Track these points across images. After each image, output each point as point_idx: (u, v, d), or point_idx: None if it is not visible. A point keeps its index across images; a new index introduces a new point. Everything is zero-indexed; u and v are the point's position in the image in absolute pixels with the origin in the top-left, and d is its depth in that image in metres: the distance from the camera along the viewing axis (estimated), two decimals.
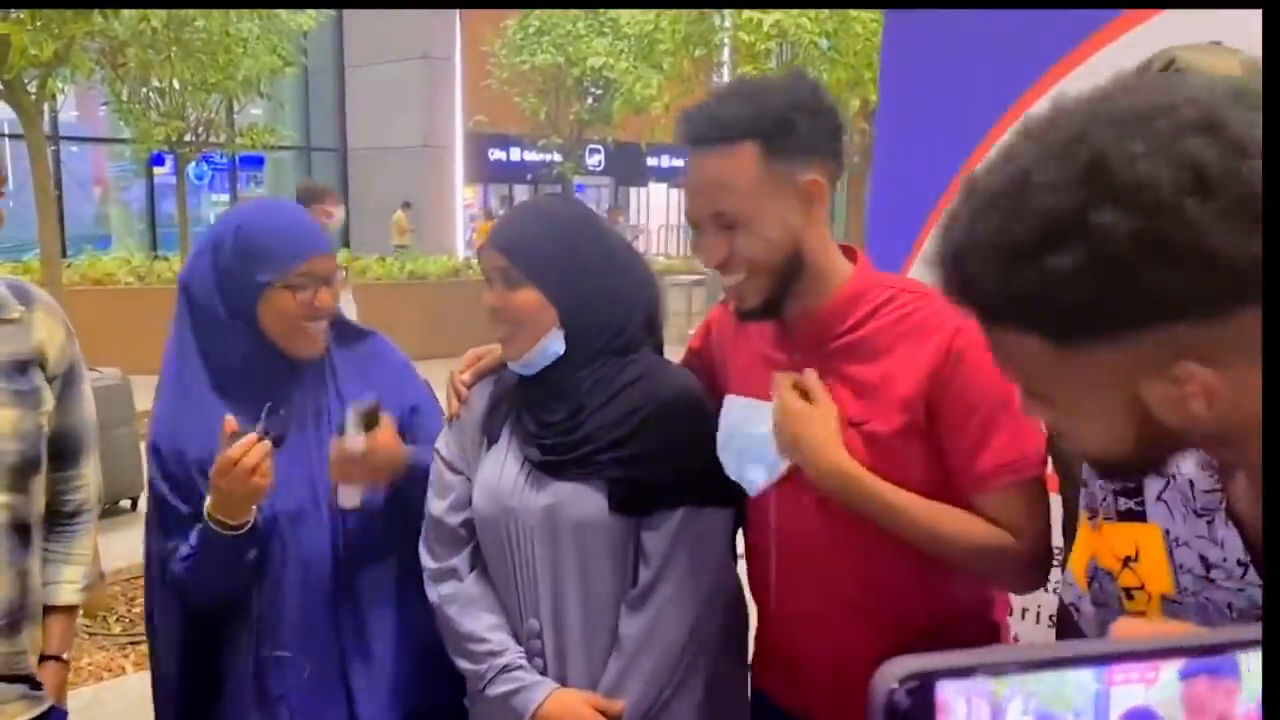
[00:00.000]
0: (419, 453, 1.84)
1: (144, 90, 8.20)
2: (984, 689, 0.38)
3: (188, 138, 8.37)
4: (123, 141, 9.59)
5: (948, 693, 0.38)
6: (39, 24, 5.65)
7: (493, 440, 1.72)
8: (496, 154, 22.56)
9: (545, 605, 1.65)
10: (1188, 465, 0.95)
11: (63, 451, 1.93)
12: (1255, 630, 0.41)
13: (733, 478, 1.56)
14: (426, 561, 1.76)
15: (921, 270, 2.70)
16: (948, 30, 2.74)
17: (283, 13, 8.76)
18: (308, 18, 9.40)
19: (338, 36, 18.33)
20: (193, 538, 1.75)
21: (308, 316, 1.79)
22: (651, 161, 23.89)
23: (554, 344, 1.64)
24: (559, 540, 1.63)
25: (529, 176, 22.86)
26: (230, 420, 1.66)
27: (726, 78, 9.86)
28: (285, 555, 1.80)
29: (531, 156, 20.59)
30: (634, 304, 1.69)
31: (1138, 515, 1.00)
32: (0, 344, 1.78)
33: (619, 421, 1.61)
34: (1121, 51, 2.26)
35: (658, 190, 25.99)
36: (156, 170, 17.01)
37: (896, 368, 1.47)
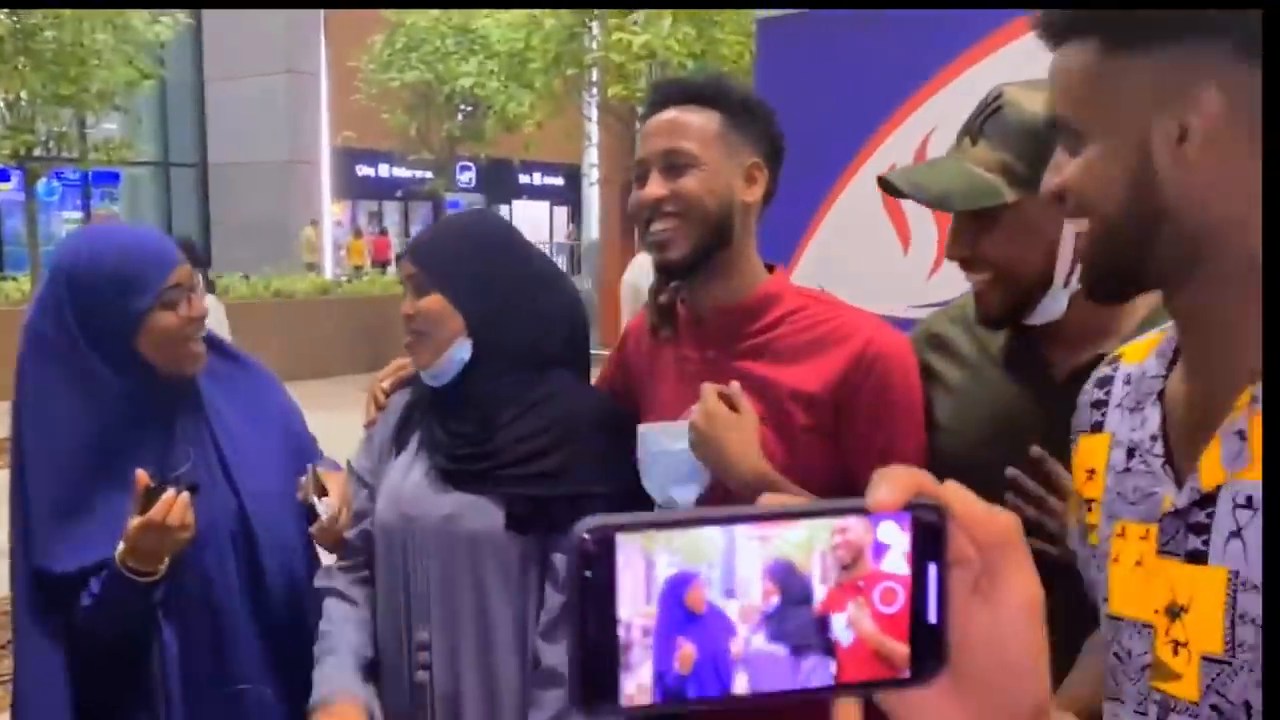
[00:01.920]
0: None
1: None
2: (638, 543, 0.44)
3: (37, 152, 7.97)
4: None
5: (621, 544, 0.44)
6: None
7: (401, 448, 1.72)
8: (365, 170, 22.23)
9: (436, 617, 1.64)
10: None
11: None
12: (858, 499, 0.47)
13: (661, 503, 1.58)
14: (325, 562, 1.78)
15: (801, 283, 2.79)
16: (820, 47, 2.84)
17: (138, 23, 8.45)
18: (164, 27, 9.07)
19: (197, 49, 17.80)
20: (95, 585, 1.68)
21: (189, 328, 1.75)
22: (524, 179, 23.93)
23: (460, 352, 1.65)
24: (455, 552, 1.62)
25: (399, 193, 22.58)
26: (142, 475, 1.60)
27: (597, 97, 9.95)
28: (193, 587, 1.75)
29: (401, 173, 20.34)
30: (552, 320, 1.71)
31: (1201, 557, 0.87)
32: None
33: (526, 438, 1.62)
34: (990, 70, 2.38)
35: (532, 206, 26.01)
36: (0, 186, 16.24)
37: (803, 371, 1.53)
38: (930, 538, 0.46)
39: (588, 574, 0.44)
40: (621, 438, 1.61)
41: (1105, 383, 1.06)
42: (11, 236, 16.66)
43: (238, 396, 1.89)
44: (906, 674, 0.46)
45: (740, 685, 0.45)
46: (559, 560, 1.61)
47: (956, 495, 0.48)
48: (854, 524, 0.46)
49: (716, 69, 8.21)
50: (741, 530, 0.45)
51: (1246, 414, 0.84)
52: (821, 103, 2.77)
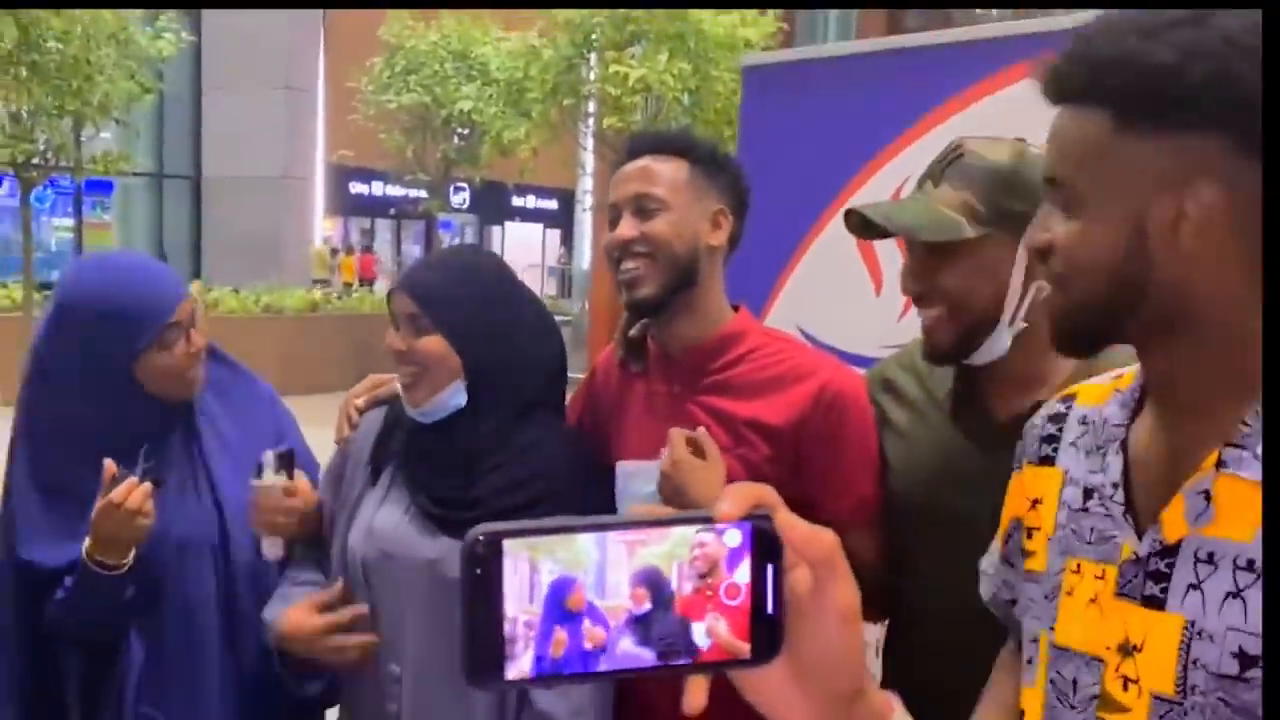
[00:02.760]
0: None
1: None
2: (524, 551, 0.53)
3: (35, 161, 8.03)
4: None
5: (509, 549, 0.53)
6: None
7: (377, 474, 1.71)
8: (358, 188, 22.29)
9: (410, 654, 1.62)
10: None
11: None
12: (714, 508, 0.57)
13: None
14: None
15: (777, 321, 2.89)
16: (803, 93, 2.95)
17: (142, 39, 8.55)
18: (167, 44, 9.17)
19: (195, 63, 17.89)
20: (68, 580, 1.70)
21: (186, 363, 1.77)
22: (518, 201, 24.02)
23: (456, 397, 1.64)
24: (435, 595, 1.58)
25: (391, 211, 22.65)
26: (110, 464, 1.63)
27: (593, 127, 10.07)
28: (169, 600, 1.77)
29: (394, 191, 20.42)
30: (538, 360, 1.70)
31: (1158, 603, 0.90)
32: None
33: (505, 490, 1.60)
34: (967, 121, 2.49)
35: (525, 229, 26.08)
36: None
37: (764, 405, 1.61)
38: (768, 543, 0.57)
39: (478, 572, 0.53)
40: (599, 488, 1.64)
41: (1058, 419, 1.09)
42: (1, 243, 16.66)
43: (231, 407, 1.91)
44: (748, 656, 0.56)
45: (605, 664, 0.54)
46: None
47: (784, 520, 0.58)
48: (708, 537, 0.55)
49: (710, 104, 8.36)
50: (613, 539, 0.54)
51: (1212, 476, 0.86)
52: (802, 147, 2.88)
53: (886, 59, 2.77)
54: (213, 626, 1.80)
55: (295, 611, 1.66)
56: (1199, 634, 0.86)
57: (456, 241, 21.74)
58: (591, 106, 9.74)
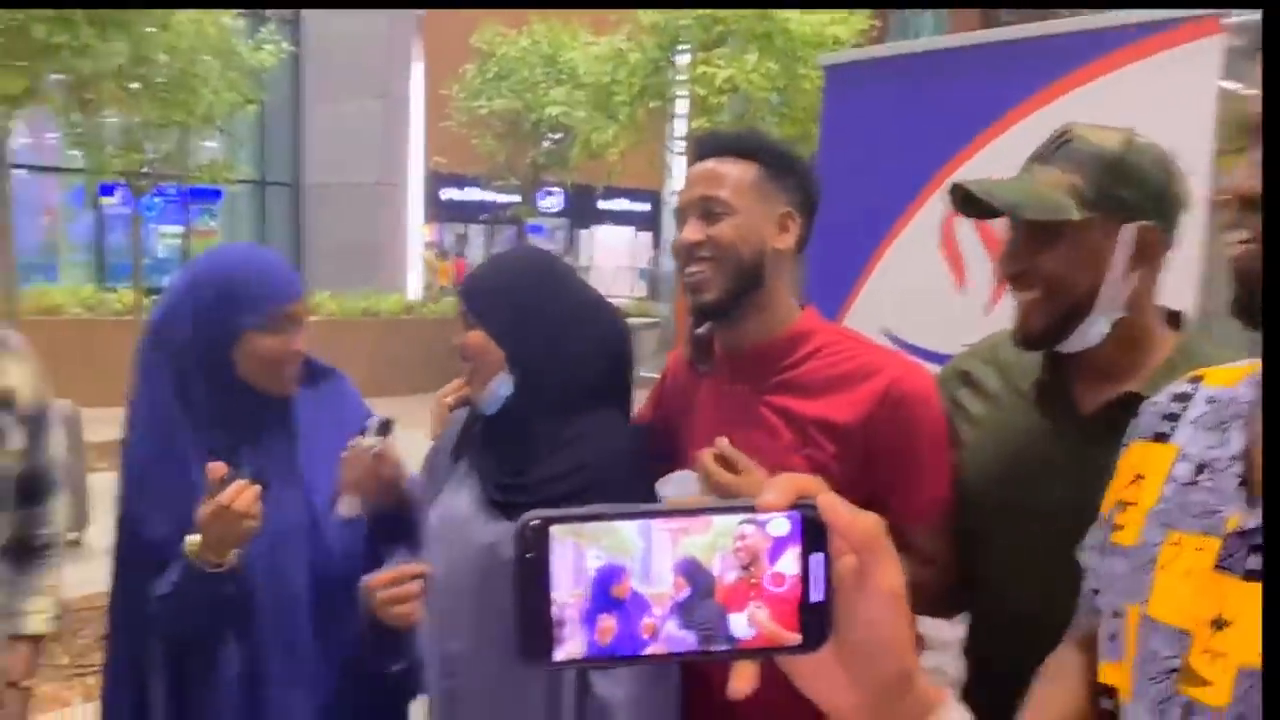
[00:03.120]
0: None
1: (98, 121, 8.22)
2: (571, 537, 0.55)
3: (144, 170, 8.38)
4: (79, 171, 9.59)
5: (557, 535, 0.55)
6: (4, 62, 5.81)
7: (455, 463, 1.79)
8: (450, 193, 22.67)
9: (469, 633, 1.68)
10: None
11: (33, 490, 2.01)
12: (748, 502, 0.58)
13: None
14: None
15: (858, 319, 2.88)
16: (886, 90, 2.94)
17: (244, 50, 8.85)
18: (268, 54, 9.47)
19: (295, 72, 18.40)
20: (171, 575, 1.74)
21: (286, 357, 1.82)
22: (605, 205, 24.14)
23: (501, 387, 1.70)
24: (492, 578, 1.64)
25: (482, 216, 22.98)
26: (218, 466, 1.66)
27: (678, 129, 10.10)
28: (262, 597, 1.81)
29: (487, 196, 20.72)
30: (595, 355, 1.72)
31: (1257, 576, 0.92)
32: None
33: (555, 479, 1.64)
34: (1053, 115, 2.46)
35: (613, 232, 26.20)
36: (104, 200, 16.87)
37: (831, 405, 1.60)
38: (814, 531, 0.58)
39: (528, 556, 0.55)
40: (645, 481, 1.66)
41: (1183, 398, 1.10)
42: (110, 250, 17.32)
43: (326, 407, 1.95)
44: (797, 641, 0.58)
45: (650, 649, 0.56)
46: None
47: (827, 503, 0.59)
48: (750, 529, 0.57)
49: (798, 102, 8.32)
50: (657, 528, 0.56)
51: None
52: (885, 144, 2.87)
53: (965, 56, 2.75)
54: (305, 626, 1.84)
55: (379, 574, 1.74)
56: None
57: (548, 246, 22.05)
58: (678, 108, 9.77)
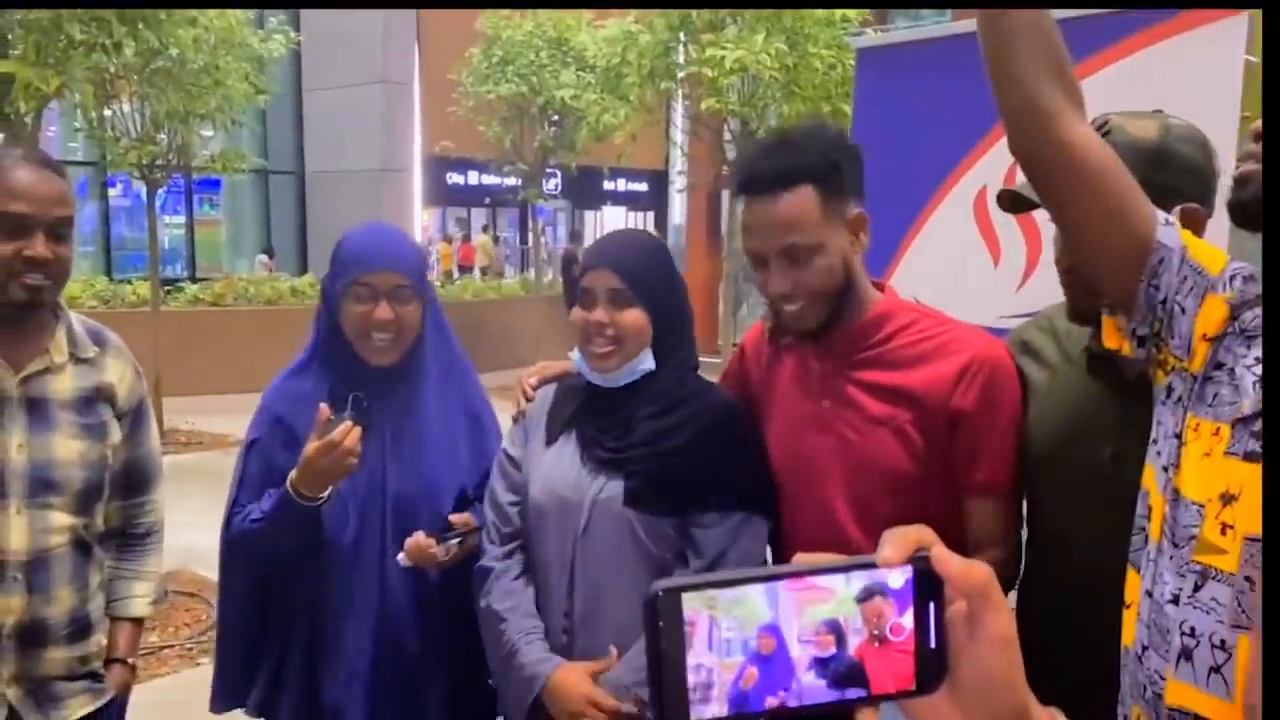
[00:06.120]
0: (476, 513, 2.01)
1: (112, 114, 8.28)
2: (702, 606, 0.57)
3: (159, 162, 8.43)
4: (92, 164, 9.62)
5: (690, 602, 0.57)
6: (39, 59, 5.93)
7: (552, 438, 1.89)
8: (454, 178, 22.69)
9: (581, 589, 1.80)
10: None
11: (134, 480, 2.13)
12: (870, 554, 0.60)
13: None
14: (486, 547, 1.93)
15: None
16: (917, 73, 3.02)
17: (254, 41, 8.88)
18: (277, 44, 9.51)
19: (296, 61, 18.37)
20: (266, 502, 1.90)
21: (367, 326, 1.94)
22: (609, 185, 24.16)
23: (645, 362, 1.83)
24: (599, 530, 1.78)
25: (486, 200, 23.01)
26: (325, 408, 1.82)
27: (689, 109, 10.14)
28: (344, 544, 1.96)
29: (488, 180, 20.73)
30: (690, 324, 1.92)
31: (1256, 457, 1.04)
32: (74, 380, 1.95)
33: (670, 431, 1.79)
34: (1085, 95, 2.53)
35: (616, 213, 26.23)
36: (110, 192, 16.88)
37: (916, 378, 1.69)
38: (928, 582, 0.60)
39: (660, 624, 0.57)
40: (739, 432, 1.80)
41: (1252, 304, 1.16)
42: (117, 241, 17.36)
43: (444, 381, 2.09)
44: (913, 687, 0.61)
45: (790, 700, 0.59)
46: (702, 536, 1.74)
47: (940, 555, 0.61)
48: (876, 600, 0.60)
49: (808, 80, 8.35)
50: (784, 595, 0.58)
51: None
52: (917, 126, 2.96)
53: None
54: (373, 578, 1.97)
55: (567, 673, 1.75)
56: None
57: (549, 228, 22.21)
58: (686, 88, 9.81)
